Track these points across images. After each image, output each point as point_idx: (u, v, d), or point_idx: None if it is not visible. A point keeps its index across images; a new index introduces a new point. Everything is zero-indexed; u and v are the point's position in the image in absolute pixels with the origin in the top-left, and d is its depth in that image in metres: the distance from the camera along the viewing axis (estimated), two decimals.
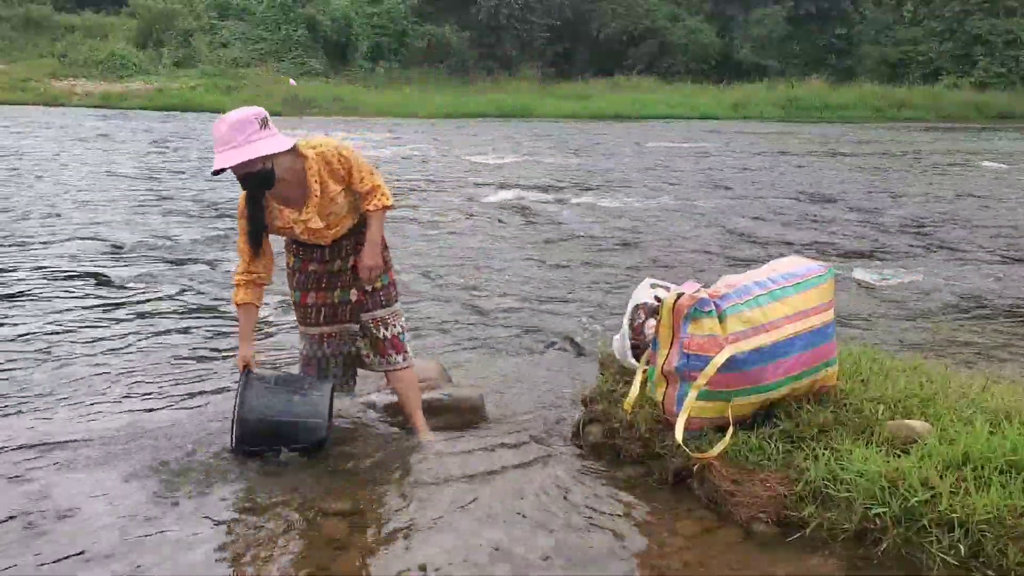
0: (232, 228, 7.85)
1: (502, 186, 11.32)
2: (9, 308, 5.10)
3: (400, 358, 3.39)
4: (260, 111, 3.01)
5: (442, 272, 6.47)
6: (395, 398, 3.65)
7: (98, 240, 7.18)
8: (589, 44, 35.94)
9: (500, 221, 8.84)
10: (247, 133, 2.93)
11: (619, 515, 2.86)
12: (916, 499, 2.43)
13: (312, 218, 3.10)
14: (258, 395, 3.11)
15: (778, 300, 2.97)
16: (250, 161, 2.94)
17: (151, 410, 3.65)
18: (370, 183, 3.17)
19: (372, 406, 3.70)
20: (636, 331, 3.51)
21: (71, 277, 5.92)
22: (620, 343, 3.59)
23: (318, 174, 3.07)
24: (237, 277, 3.22)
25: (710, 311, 2.89)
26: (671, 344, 2.98)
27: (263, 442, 3.13)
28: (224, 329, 4.89)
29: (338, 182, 3.11)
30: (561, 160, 14.62)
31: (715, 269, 6.53)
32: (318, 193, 3.08)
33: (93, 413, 3.59)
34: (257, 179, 3.01)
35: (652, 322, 3.35)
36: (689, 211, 9.65)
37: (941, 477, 2.50)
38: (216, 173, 2.98)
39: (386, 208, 3.21)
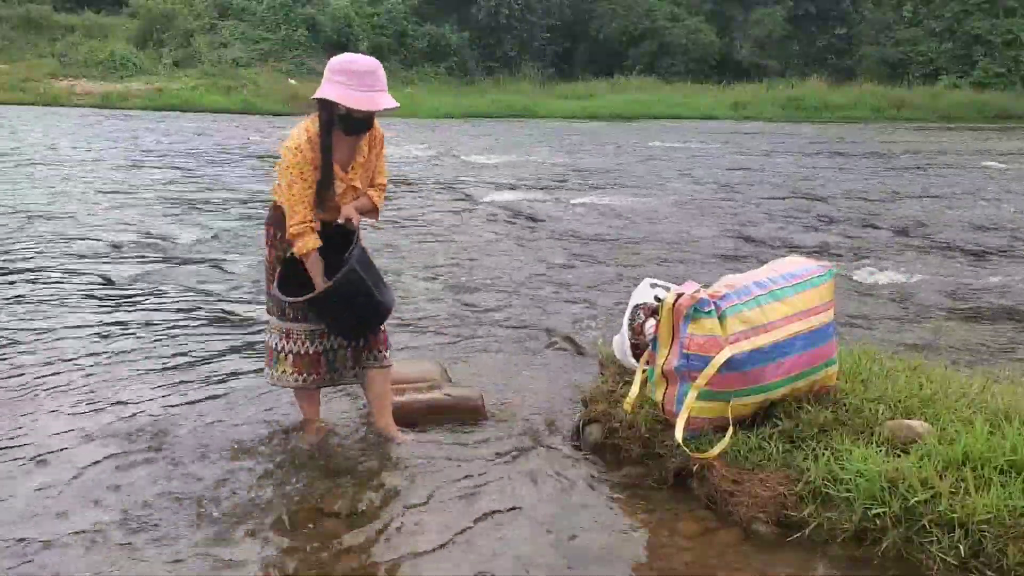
0: (231, 225, 7.85)
1: (502, 186, 11.32)
2: (9, 308, 5.09)
3: (386, 353, 3.37)
4: None
5: (442, 272, 6.47)
6: (397, 399, 3.65)
7: (98, 240, 7.18)
8: (589, 44, 35.93)
9: (500, 221, 8.84)
10: (384, 81, 3.05)
11: (619, 515, 2.86)
12: (916, 499, 2.44)
13: (356, 179, 3.18)
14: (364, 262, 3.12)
15: (778, 300, 2.97)
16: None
17: (150, 410, 3.65)
18: (383, 182, 3.33)
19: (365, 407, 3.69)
20: (636, 331, 3.51)
21: (71, 277, 5.92)
22: (620, 343, 3.59)
23: (369, 141, 3.20)
24: (299, 226, 3.03)
25: (710, 311, 2.89)
26: (671, 344, 2.98)
27: (348, 302, 3.09)
28: (224, 328, 4.89)
29: (374, 158, 3.25)
30: (561, 160, 14.62)
31: (715, 269, 6.53)
32: (364, 155, 3.20)
33: (91, 414, 3.58)
34: (368, 125, 3.12)
35: (652, 322, 3.36)
36: (689, 211, 9.65)
37: (941, 477, 2.50)
38: (362, 114, 3.02)
39: (376, 208, 3.31)
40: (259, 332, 4.80)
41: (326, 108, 3.02)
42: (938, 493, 2.44)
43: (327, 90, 2.98)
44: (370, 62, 3.02)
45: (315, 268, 3.11)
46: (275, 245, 3.24)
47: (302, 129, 3.06)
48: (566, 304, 5.62)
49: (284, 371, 3.27)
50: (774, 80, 32.56)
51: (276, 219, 3.19)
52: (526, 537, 2.72)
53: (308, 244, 3.07)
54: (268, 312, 3.33)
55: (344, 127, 3.06)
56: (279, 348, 3.26)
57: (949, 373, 3.46)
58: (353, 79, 2.96)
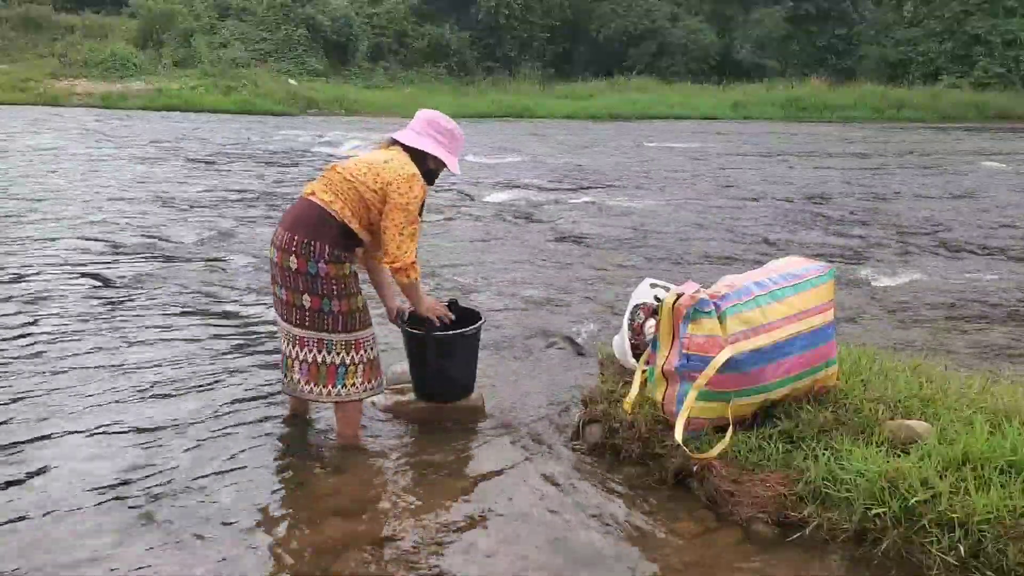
0: (231, 225, 7.85)
1: (502, 186, 11.32)
2: (8, 308, 5.09)
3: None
4: None
5: (442, 271, 6.46)
6: (396, 399, 3.66)
7: (98, 240, 7.17)
8: (589, 44, 35.93)
9: (500, 221, 8.84)
10: None
11: (619, 515, 2.86)
12: (916, 499, 2.43)
13: None
14: None
15: (778, 300, 2.97)
16: None
17: (149, 411, 3.65)
18: None
19: (371, 406, 3.70)
20: (636, 331, 3.51)
21: (70, 277, 5.91)
22: (620, 343, 3.59)
23: None
24: (414, 256, 3.18)
25: (710, 311, 2.89)
26: (671, 344, 2.98)
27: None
28: (225, 329, 4.89)
29: None
30: (561, 160, 14.62)
31: (715, 269, 6.53)
32: None
33: (89, 414, 3.58)
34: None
35: (652, 322, 3.36)
36: (689, 211, 9.64)
37: (941, 477, 2.50)
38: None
39: None
40: (259, 332, 4.80)
41: (418, 158, 3.22)
42: (938, 493, 2.44)
43: (430, 146, 3.24)
44: (459, 131, 3.33)
45: (423, 294, 3.37)
46: (351, 259, 3.17)
47: (411, 166, 3.18)
48: (566, 304, 5.62)
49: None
50: (774, 80, 32.58)
51: (335, 238, 3.09)
52: (526, 537, 2.72)
53: (417, 273, 3.21)
54: (359, 328, 3.19)
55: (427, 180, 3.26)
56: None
57: (949, 373, 3.47)
58: (454, 144, 3.30)
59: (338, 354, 3.17)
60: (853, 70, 34.73)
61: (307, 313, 3.12)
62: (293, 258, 3.07)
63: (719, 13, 37.65)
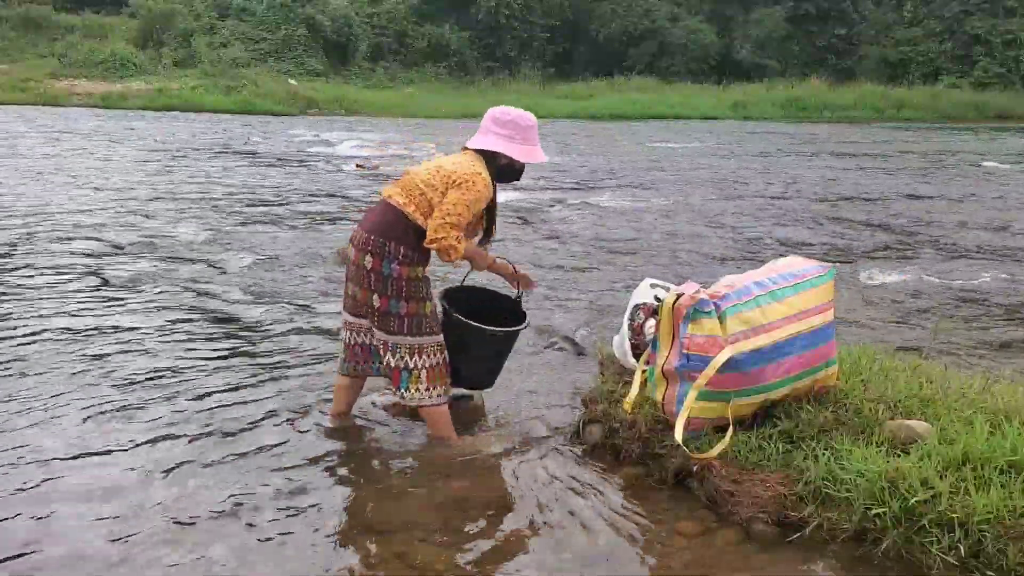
0: (231, 225, 7.86)
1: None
2: (9, 308, 5.09)
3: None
4: None
5: (441, 271, 6.46)
6: (396, 398, 3.67)
7: (98, 240, 7.18)
8: (589, 44, 35.98)
9: (499, 221, 8.82)
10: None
11: (619, 515, 2.86)
12: (916, 499, 2.43)
13: None
14: None
15: (778, 300, 2.97)
16: None
17: (147, 410, 3.65)
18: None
19: (373, 406, 3.70)
20: (636, 331, 3.51)
21: (71, 277, 5.91)
22: (620, 343, 3.60)
23: None
24: (460, 240, 3.16)
25: (710, 311, 2.89)
26: (671, 344, 2.98)
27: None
28: (223, 328, 4.89)
29: None
30: (560, 160, 14.62)
31: (715, 269, 6.53)
32: None
33: (90, 414, 3.58)
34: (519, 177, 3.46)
35: (652, 322, 3.36)
36: (689, 211, 9.64)
37: (941, 477, 2.50)
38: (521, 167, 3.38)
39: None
40: (258, 333, 4.80)
41: (488, 158, 3.25)
42: (938, 493, 2.44)
43: (494, 143, 3.22)
44: (532, 117, 3.29)
45: (482, 254, 3.41)
46: (425, 262, 3.25)
47: (480, 166, 3.20)
48: (566, 304, 5.61)
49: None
50: (774, 80, 32.63)
51: (409, 240, 3.16)
52: (525, 537, 2.72)
53: (459, 252, 3.16)
54: (426, 333, 3.24)
55: (501, 177, 3.32)
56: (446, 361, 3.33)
57: (949, 373, 3.46)
58: (521, 133, 3.24)
59: (402, 357, 3.22)
60: (853, 70, 34.79)
61: (376, 314, 3.21)
62: (369, 257, 3.16)
63: (719, 13, 37.71)
